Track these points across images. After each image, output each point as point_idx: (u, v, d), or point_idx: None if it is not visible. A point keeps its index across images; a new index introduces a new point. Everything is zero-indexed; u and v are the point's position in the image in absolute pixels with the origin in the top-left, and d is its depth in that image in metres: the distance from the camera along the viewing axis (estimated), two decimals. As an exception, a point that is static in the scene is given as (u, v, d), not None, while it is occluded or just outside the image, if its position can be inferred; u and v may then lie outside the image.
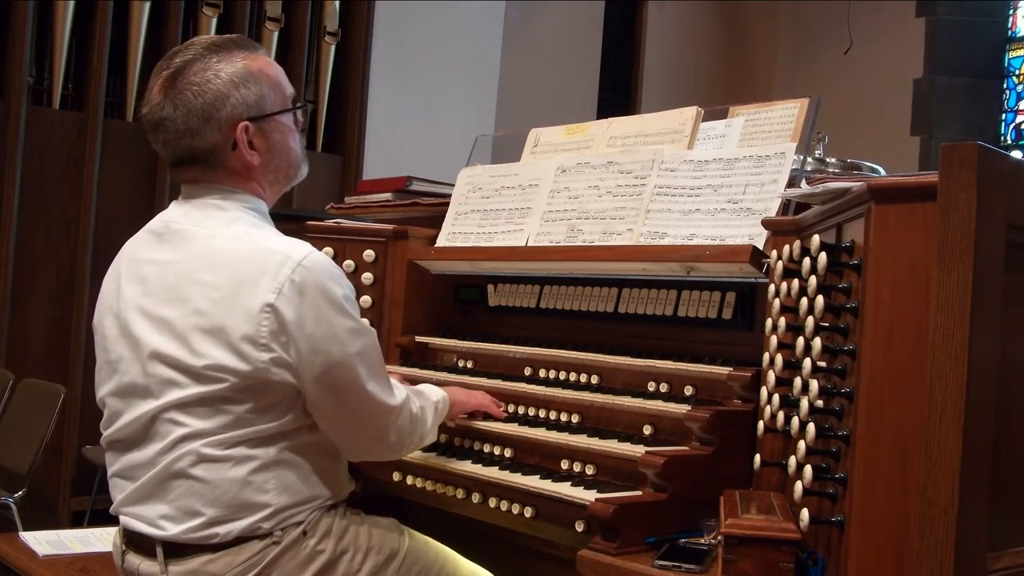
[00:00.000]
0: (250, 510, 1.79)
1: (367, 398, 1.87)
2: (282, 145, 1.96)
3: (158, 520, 1.80)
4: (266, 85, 1.91)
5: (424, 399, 2.08)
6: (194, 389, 1.76)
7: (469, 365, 2.63)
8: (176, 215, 1.92)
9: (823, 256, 1.65)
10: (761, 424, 1.89)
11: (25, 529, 3.16)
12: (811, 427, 1.62)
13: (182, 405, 1.78)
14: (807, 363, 1.68)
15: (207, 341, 1.76)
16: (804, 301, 1.73)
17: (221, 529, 1.77)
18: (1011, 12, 7.62)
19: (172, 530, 1.78)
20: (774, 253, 1.96)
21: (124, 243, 2.01)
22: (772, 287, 1.93)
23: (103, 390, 1.92)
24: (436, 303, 2.79)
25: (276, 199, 2.02)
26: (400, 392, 1.97)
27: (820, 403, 1.64)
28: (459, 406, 2.25)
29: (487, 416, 2.30)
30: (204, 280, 1.79)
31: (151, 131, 1.91)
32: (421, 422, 2.03)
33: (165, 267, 1.85)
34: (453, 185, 2.83)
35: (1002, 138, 7.54)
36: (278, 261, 1.77)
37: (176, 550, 1.79)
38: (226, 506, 1.77)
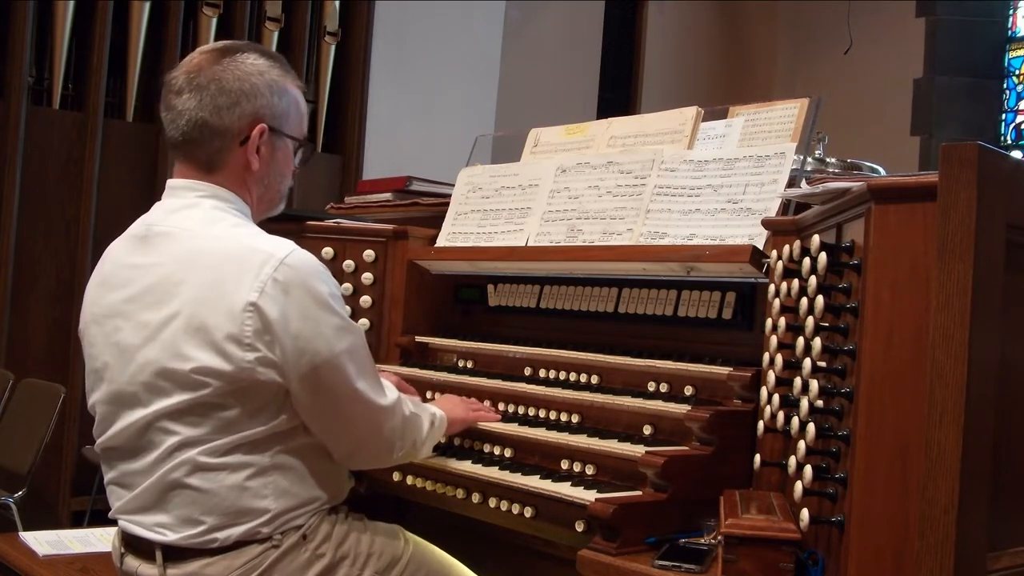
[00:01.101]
0: (249, 515, 1.78)
1: (357, 397, 1.85)
2: (281, 169, 1.97)
3: (157, 527, 1.79)
4: (295, 109, 1.96)
5: (420, 408, 2.06)
6: (182, 396, 1.75)
7: (469, 365, 2.62)
8: (157, 216, 1.90)
9: (823, 256, 1.65)
10: (761, 424, 1.89)
11: (25, 529, 3.16)
12: (811, 427, 1.62)
13: (172, 413, 1.76)
14: (807, 363, 1.68)
15: (192, 343, 1.74)
16: (804, 301, 1.73)
17: (220, 534, 1.77)
18: (1011, 12, 7.62)
19: (172, 536, 1.78)
20: (774, 253, 1.96)
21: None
22: (772, 287, 1.93)
23: (93, 397, 1.90)
24: (436, 303, 2.79)
25: (257, 220, 1.97)
26: (392, 393, 1.95)
27: (820, 403, 1.64)
28: (459, 424, 2.23)
29: None
30: (187, 280, 1.77)
31: (175, 94, 1.87)
32: (415, 427, 2.01)
33: (148, 270, 1.83)
34: (453, 185, 2.83)
35: (1002, 138, 7.54)
36: (260, 259, 1.76)
37: (175, 554, 1.79)
38: (225, 513, 1.77)
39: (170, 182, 1.94)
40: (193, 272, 1.78)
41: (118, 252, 1.93)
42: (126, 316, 1.83)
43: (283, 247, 1.79)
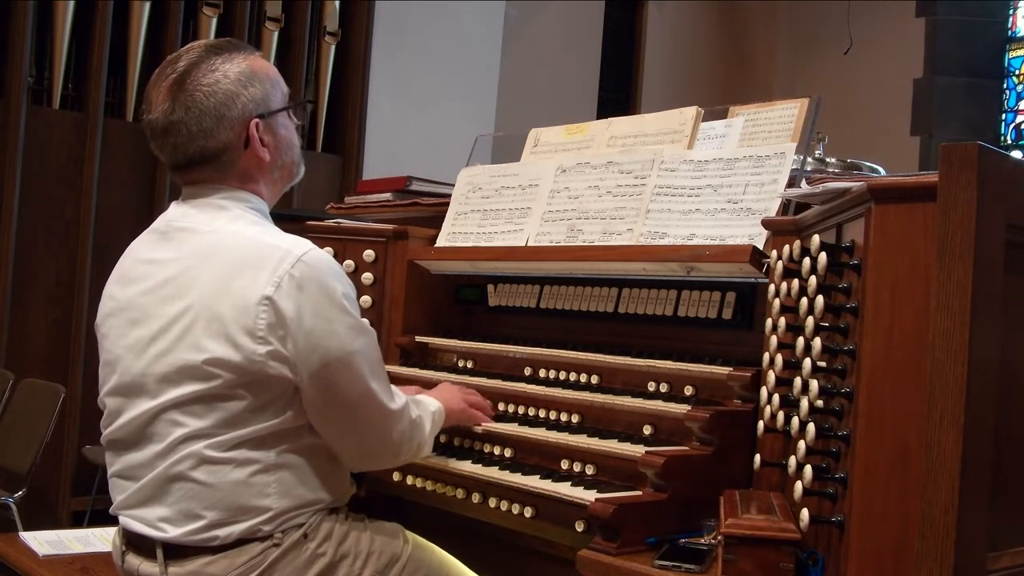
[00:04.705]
0: (251, 513, 1.78)
1: (367, 398, 1.86)
2: (288, 141, 1.99)
3: (158, 522, 1.80)
4: (268, 83, 1.94)
5: (422, 408, 2.07)
6: (192, 387, 1.76)
7: (469, 365, 2.62)
8: (177, 214, 1.93)
9: (823, 256, 1.65)
10: (761, 424, 1.89)
11: (25, 529, 3.17)
12: (811, 427, 1.62)
13: (180, 404, 1.77)
14: (807, 363, 1.67)
15: (206, 335, 1.75)
16: (804, 301, 1.73)
17: (221, 531, 1.77)
18: (1011, 12, 7.63)
19: (172, 532, 1.78)
20: (774, 253, 1.96)
21: (124, 243, 2.02)
22: (772, 287, 1.93)
23: (103, 390, 1.92)
24: (436, 303, 2.79)
25: (276, 200, 2.03)
26: (400, 397, 1.96)
27: (820, 403, 1.64)
28: (454, 416, 2.23)
29: None
30: (203, 274, 1.79)
31: (159, 136, 1.89)
32: (420, 429, 2.02)
33: (166, 265, 1.85)
34: (453, 185, 2.83)
35: (1002, 138, 7.54)
36: (278, 256, 1.78)
37: (176, 551, 1.79)
38: (227, 509, 1.77)
39: (185, 189, 1.95)
40: (210, 266, 1.80)
41: (137, 248, 1.96)
42: (142, 309, 1.85)
43: (301, 245, 1.81)
